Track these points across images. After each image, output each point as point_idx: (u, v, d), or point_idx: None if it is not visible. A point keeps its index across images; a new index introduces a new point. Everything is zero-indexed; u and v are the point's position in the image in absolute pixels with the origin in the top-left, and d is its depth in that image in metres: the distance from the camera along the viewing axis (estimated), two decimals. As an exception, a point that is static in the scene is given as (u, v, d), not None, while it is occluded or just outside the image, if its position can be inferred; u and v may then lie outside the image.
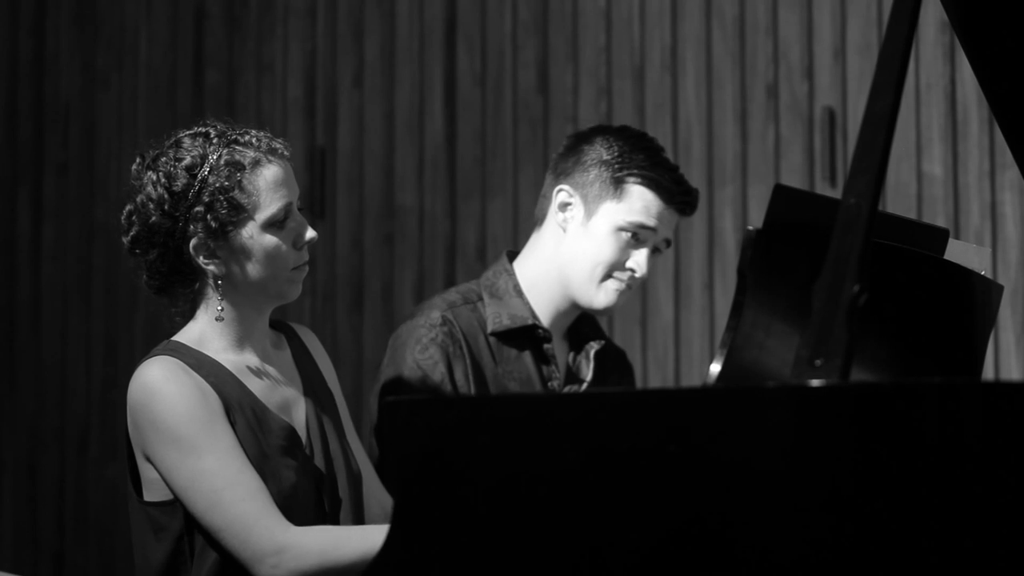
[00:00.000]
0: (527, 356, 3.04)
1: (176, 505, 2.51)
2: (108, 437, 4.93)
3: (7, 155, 5.14)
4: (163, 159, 2.60)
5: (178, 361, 2.51)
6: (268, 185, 2.55)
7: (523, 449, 1.81)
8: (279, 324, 2.72)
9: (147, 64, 5.00)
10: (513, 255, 3.14)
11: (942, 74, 4.03)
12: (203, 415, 2.46)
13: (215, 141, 2.58)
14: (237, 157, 2.55)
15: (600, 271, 3.00)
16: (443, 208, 4.57)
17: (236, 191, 2.53)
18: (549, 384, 3.04)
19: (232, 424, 2.49)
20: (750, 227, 2.09)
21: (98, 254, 5.01)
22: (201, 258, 2.55)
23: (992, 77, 2.29)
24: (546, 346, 3.05)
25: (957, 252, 2.36)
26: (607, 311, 3.05)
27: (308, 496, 2.55)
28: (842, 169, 4.09)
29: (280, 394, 2.61)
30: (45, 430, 5.04)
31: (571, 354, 3.13)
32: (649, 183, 2.99)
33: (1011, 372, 3.92)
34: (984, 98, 2.97)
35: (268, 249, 2.54)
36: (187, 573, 2.53)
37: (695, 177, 4.28)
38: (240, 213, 2.53)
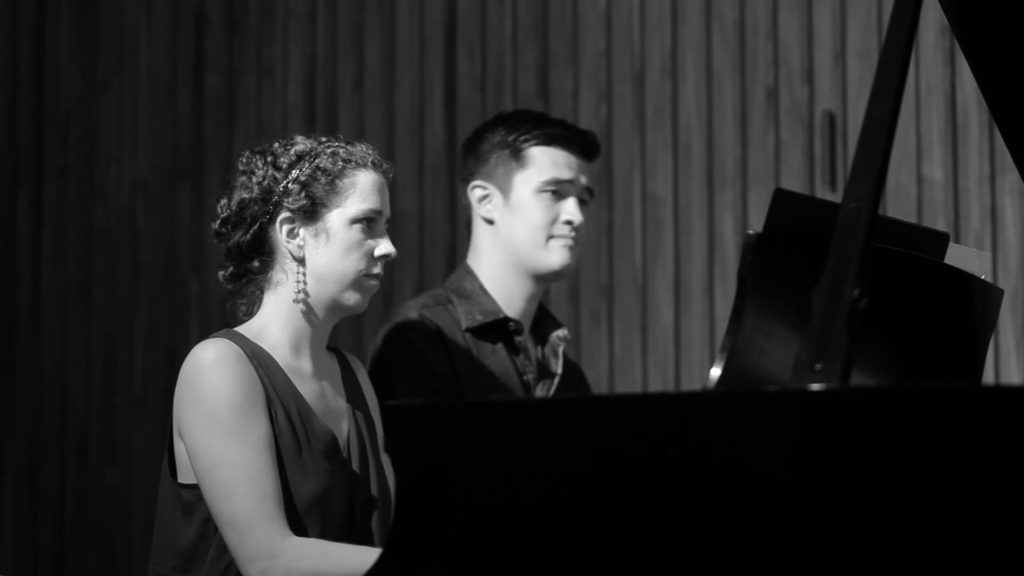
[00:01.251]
0: (501, 350, 3.12)
1: None
2: (108, 441, 4.93)
3: (7, 159, 5.14)
4: (275, 145, 2.71)
5: (234, 346, 2.56)
6: (366, 185, 2.67)
7: (523, 452, 1.81)
8: (332, 348, 2.79)
9: (147, 68, 5.00)
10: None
11: (942, 78, 4.04)
12: (243, 403, 2.51)
13: (326, 141, 2.71)
14: (343, 154, 2.68)
15: (540, 234, 3.11)
16: (443, 212, 4.57)
17: (336, 176, 2.64)
18: (524, 377, 3.12)
19: (272, 419, 2.54)
20: (750, 231, 2.09)
21: (98, 258, 5.01)
22: (284, 234, 2.64)
23: (992, 81, 2.29)
24: (518, 339, 3.13)
25: (957, 256, 2.36)
26: (565, 270, 3.15)
27: (340, 503, 2.59)
28: (842, 173, 4.09)
29: (327, 403, 2.66)
30: (45, 434, 5.03)
31: (538, 348, 3.20)
32: (544, 140, 3.13)
33: (1011, 376, 3.92)
34: (984, 102, 2.97)
35: (349, 241, 2.64)
36: (206, 558, 2.56)
37: (695, 181, 4.28)
38: (333, 197, 2.64)
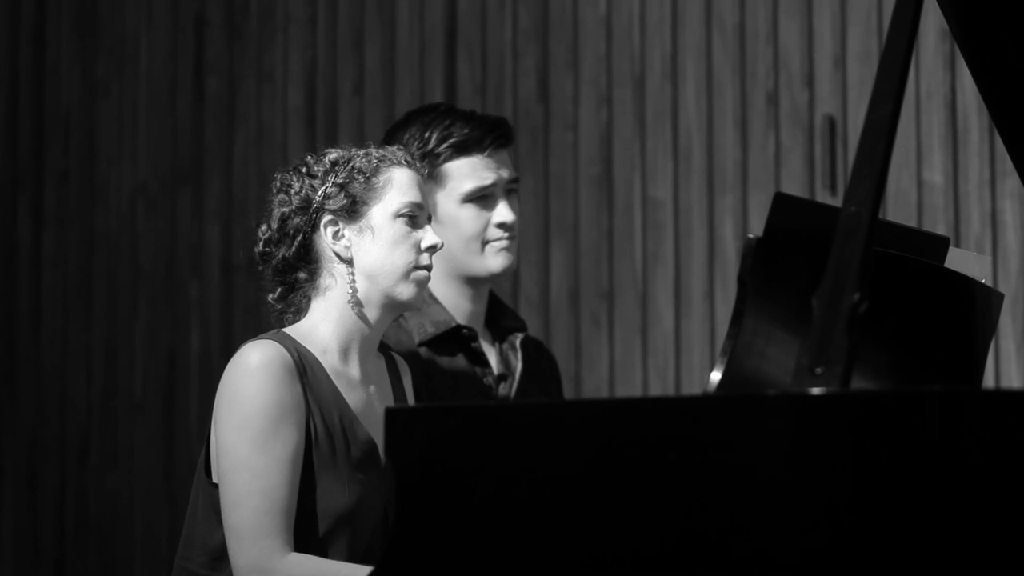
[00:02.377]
0: (460, 359, 3.06)
1: None
2: (108, 445, 4.93)
3: (8, 163, 5.14)
4: (308, 159, 2.71)
5: (281, 349, 2.54)
6: (404, 180, 2.67)
7: (522, 456, 1.81)
8: (384, 348, 2.77)
9: (148, 72, 5.00)
10: None
11: (942, 82, 4.04)
12: (276, 415, 2.50)
13: (359, 149, 2.70)
14: (377, 153, 2.68)
15: (474, 244, 3.03)
16: (443, 216, 4.57)
17: (372, 174, 2.64)
18: (485, 380, 3.06)
19: (311, 430, 2.54)
20: (750, 235, 2.09)
21: (99, 262, 5.01)
22: (330, 236, 2.63)
23: (992, 85, 2.30)
24: (473, 344, 3.07)
25: (957, 260, 2.36)
26: (506, 271, 3.08)
27: (374, 515, 2.58)
28: (842, 177, 4.09)
29: (373, 410, 2.65)
30: (45, 438, 5.03)
31: (496, 345, 3.14)
32: (453, 152, 3.02)
33: (1012, 380, 3.92)
34: (984, 106, 2.97)
35: (395, 235, 2.64)
36: None
37: (695, 185, 4.28)
38: (373, 193, 2.64)
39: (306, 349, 2.60)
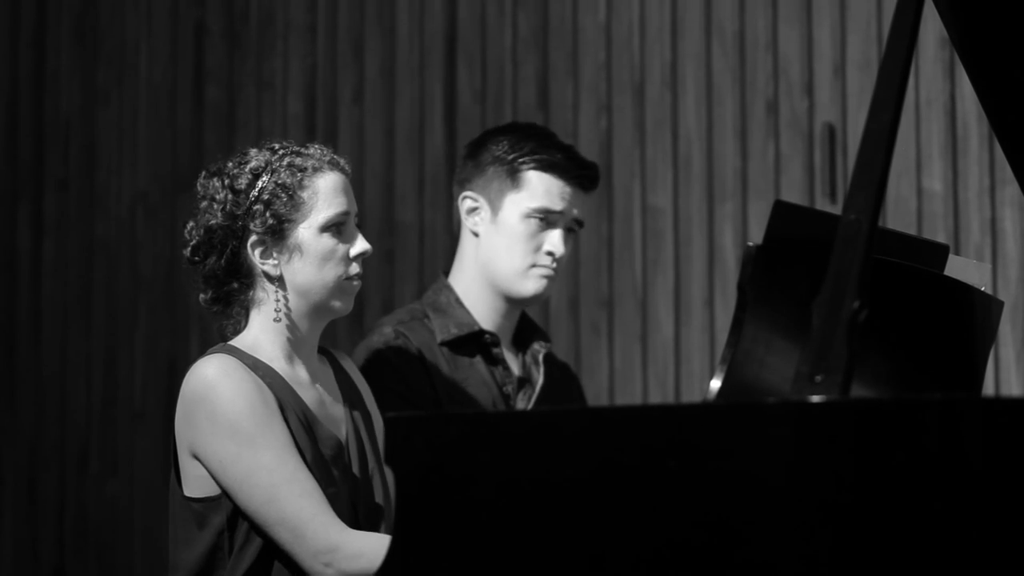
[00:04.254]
0: (479, 362, 3.11)
1: (220, 500, 2.55)
2: (108, 453, 4.93)
3: (7, 171, 5.14)
4: (228, 165, 2.68)
5: (236, 359, 2.57)
6: (328, 190, 2.64)
7: (523, 464, 1.81)
8: (320, 349, 2.77)
9: (147, 80, 5.00)
10: (448, 273, 3.23)
11: (942, 90, 4.04)
12: (262, 410, 2.52)
13: (279, 151, 2.67)
14: (299, 162, 2.64)
15: (520, 260, 3.08)
16: (443, 224, 4.57)
17: (296, 189, 2.61)
18: (504, 388, 3.11)
19: (287, 424, 2.55)
20: (750, 243, 2.09)
21: (98, 270, 5.01)
22: (258, 256, 2.62)
23: (992, 93, 2.30)
24: (495, 350, 3.13)
25: (957, 268, 2.36)
26: (537, 299, 3.14)
27: (344, 509, 2.58)
28: (842, 185, 4.09)
29: (327, 409, 2.67)
30: (45, 446, 5.03)
31: (519, 356, 3.20)
32: (543, 166, 3.09)
33: (1011, 388, 3.92)
34: (984, 114, 2.97)
35: (322, 251, 2.62)
36: (223, 569, 2.56)
37: (695, 193, 4.28)
38: (298, 211, 2.61)
39: (255, 358, 2.60)
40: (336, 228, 2.63)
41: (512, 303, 3.15)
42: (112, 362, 4.97)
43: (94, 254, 5.02)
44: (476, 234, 3.14)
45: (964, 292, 2.31)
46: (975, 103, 3.93)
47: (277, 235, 2.61)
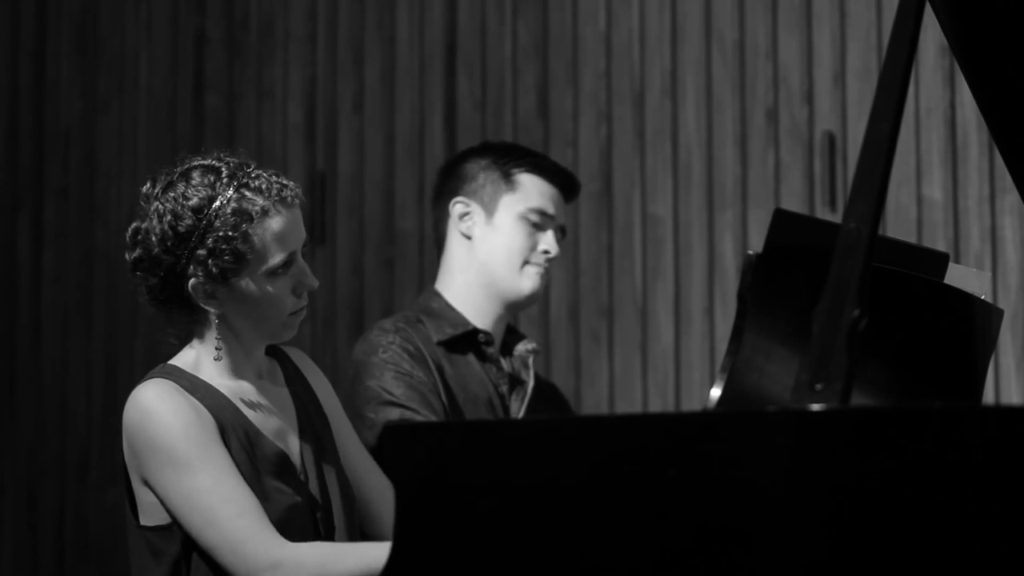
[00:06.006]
0: (474, 361, 3.19)
1: (173, 529, 2.51)
2: (108, 462, 4.92)
3: (8, 179, 5.14)
4: (171, 193, 2.56)
5: (172, 383, 2.52)
6: (273, 236, 2.53)
7: (522, 472, 1.81)
8: (271, 349, 2.72)
9: (147, 89, 5.01)
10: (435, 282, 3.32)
11: (942, 98, 4.04)
12: (197, 434, 2.47)
13: (225, 181, 2.54)
14: (245, 206, 2.52)
15: (517, 259, 3.20)
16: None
17: (240, 242, 2.51)
18: (499, 387, 3.20)
19: (227, 445, 2.50)
20: (750, 251, 2.09)
21: (98, 278, 5.01)
22: (200, 298, 2.55)
23: (992, 101, 2.30)
24: (489, 350, 3.21)
25: (957, 276, 2.36)
26: (534, 297, 3.24)
27: (304, 521, 2.55)
28: (842, 193, 4.09)
29: (274, 422, 2.61)
30: (45, 455, 5.03)
31: (507, 360, 3.27)
32: (535, 169, 3.23)
33: (1011, 396, 3.92)
34: (984, 122, 2.97)
35: (267, 297, 2.55)
36: None
37: (695, 201, 4.28)
38: (242, 262, 2.52)
39: (197, 377, 2.56)
40: (283, 268, 2.55)
41: (504, 306, 3.22)
42: (112, 371, 4.97)
43: (94, 262, 5.02)
44: (469, 237, 3.23)
45: (964, 301, 2.32)
46: (975, 111, 3.93)
47: (220, 283, 2.53)
